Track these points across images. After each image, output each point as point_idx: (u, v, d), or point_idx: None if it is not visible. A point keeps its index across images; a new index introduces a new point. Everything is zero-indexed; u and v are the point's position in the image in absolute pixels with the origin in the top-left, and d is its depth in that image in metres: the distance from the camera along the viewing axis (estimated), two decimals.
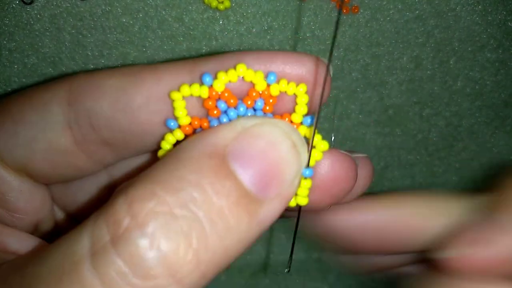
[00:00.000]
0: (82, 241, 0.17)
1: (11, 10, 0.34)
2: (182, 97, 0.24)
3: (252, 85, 0.24)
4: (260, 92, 0.24)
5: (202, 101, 0.24)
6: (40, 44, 0.35)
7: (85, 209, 0.30)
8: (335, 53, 0.37)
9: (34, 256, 0.21)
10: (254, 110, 0.24)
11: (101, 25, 0.35)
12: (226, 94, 0.23)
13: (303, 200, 0.24)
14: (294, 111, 0.24)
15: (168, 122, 0.24)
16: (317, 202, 0.25)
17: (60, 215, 0.31)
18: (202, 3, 0.35)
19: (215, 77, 0.23)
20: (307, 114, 0.24)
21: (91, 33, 0.35)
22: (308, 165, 0.23)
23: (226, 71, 0.23)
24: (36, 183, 0.27)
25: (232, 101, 0.23)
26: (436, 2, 0.36)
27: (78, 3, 0.34)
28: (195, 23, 0.35)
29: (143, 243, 0.16)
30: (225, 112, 0.24)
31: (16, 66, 0.36)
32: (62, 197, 0.29)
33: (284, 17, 0.35)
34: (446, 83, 0.39)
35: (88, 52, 0.36)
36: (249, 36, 0.36)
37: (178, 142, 0.24)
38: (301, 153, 0.21)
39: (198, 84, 0.23)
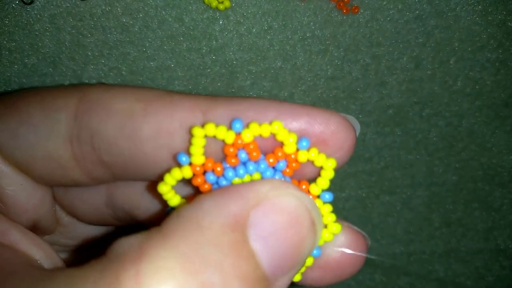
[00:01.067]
0: None
1: (11, 10, 0.34)
2: (204, 135, 0.22)
3: (281, 144, 0.22)
4: (286, 154, 0.22)
5: (223, 145, 0.22)
6: (40, 44, 0.35)
7: (85, 216, 0.30)
8: (335, 53, 0.37)
9: (50, 275, 0.20)
10: (274, 169, 0.22)
11: (101, 25, 0.35)
12: (251, 146, 0.22)
13: (297, 277, 0.23)
14: (314, 181, 0.23)
15: (179, 157, 0.22)
16: (316, 281, 0.24)
17: (62, 215, 0.31)
18: (202, 3, 0.35)
19: (247, 126, 0.22)
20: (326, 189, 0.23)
21: (91, 33, 0.35)
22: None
23: (260, 124, 0.22)
24: (37, 184, 0.27)
25: (255, 154, 0.22)
26: (436, 2, 0.36)
27: (78, 3, 0.34)
28: (195, 23, 0.35)
29: None
30: (244, 163, 0.22)
31: (16, 66, 0.36)
32: (62, 198, 0.29)
33: (284, 17, 0.35)
34: (446, 83, 0.39)
35: (88, 52, 0.36)
36: (249, 36, 0.36)
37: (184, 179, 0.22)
38: (317, 231, 0.20)
39: (226, 127, 0.22)
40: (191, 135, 0.22)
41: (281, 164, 0.22)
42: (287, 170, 0.22)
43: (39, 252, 0.24)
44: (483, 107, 0.40)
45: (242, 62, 0.37)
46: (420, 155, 0.41)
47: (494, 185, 0.42)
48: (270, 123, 0.22)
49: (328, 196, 0.23)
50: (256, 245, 0.18)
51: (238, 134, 0.22)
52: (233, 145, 0.22)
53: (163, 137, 0.23)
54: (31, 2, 0.34)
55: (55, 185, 0.28)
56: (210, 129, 0.21)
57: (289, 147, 0.22)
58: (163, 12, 0.35)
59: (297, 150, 0.22)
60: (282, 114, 0.22)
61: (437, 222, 0.43)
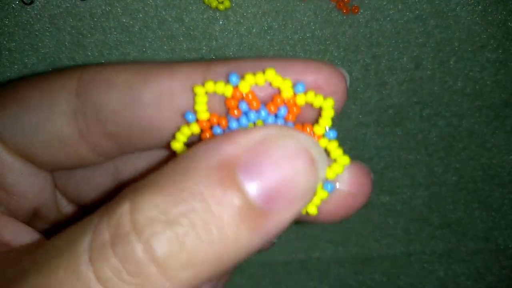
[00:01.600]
0: (83, 237, 0.18)
1: (11, 10, 0.34)
2: (205, 92, 0.23)
3: (278, 92, 0.23)
4: (285, 100, 0.23)
5: (224, 99, 0.24)
6: (40, 44, 0.35)
7: (89, 199, 0.30)
8: (335, 53, 0.37)
9: (31, 247, 0.22)
10: (276, 116, 0.23)
11: (101, 25, 0.35)
12: (250, 96, 0.23)
13: (313, 210, 0.24)
14: (316, 122, 0.24)
15: (186, 115, 0.24)
16: (328, 215, 0.24)
17: (64, 203, 0.31)
18: (202, 3, 0.35)
19: (242, 78, 0.23)
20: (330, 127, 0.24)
21: (91, 33, 0.35)
22: (327, 179, 0.23)
23: (254, 73, 0.23)
24: (38, 168, 0.27)
25: (255, 104, 0.23)
26: (436, 2, 0.36)
27: (78, 3, 0.34)
28: (195, 23, 0.35)
29: (139, 246, 0.17)
30: (246, 114, 0.23)
31: (16, 66, 0.36)
32: (65, 184, 0.29)
33: (284, 17, 0.35)
34: (446, 83, 0.39)
35: (88, 52, 0.36)
36: (249, 36, 0.36)
37: (193, 137, 0.24)
38: (319, 169, 0.20)
39: (223, 82, 0.23)
40: (194, 95, 0.23)
41: (282, 111, 0.23)
42: (290, 117, 0.23)
43: (9, 232, 0.25)
44: (483, 107, 0.40)
45: None
46: (420, 155, 0.41)
47: (494, 185, 0.42)
48: (264, 72, 0.23)
49: (332, 134, 0.24)
50: (243, 176, 0.18)
51: (236, 86, 0.23)
52: (233, 97, 0.23)
53: (165, 100, 0.24)
54: (31, 2, 0.34)
55: (59, 169, 0.28)
56: (210, 86, 0.23)
57: (286, 92, 0.23)
58: (163, 12, 0.35)
59: (295, 95, 0.23)
60: (276, 66, 0.23)
61: (437, 222, 0.43)
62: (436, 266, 0.44)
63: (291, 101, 0.23)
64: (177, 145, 0.24)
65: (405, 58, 0.37)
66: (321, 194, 0.24)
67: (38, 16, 0.35)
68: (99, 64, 0.26)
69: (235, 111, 0.23)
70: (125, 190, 0.19)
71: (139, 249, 0.17)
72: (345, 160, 0.24)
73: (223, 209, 0.18)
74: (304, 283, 0.43)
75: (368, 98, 0.38)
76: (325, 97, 0.23)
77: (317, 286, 0.43)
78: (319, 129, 0.24)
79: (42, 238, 0.25)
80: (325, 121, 0.23)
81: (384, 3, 0.36)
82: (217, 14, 0.35)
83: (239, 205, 0.18)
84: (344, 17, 0.36)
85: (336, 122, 0.40)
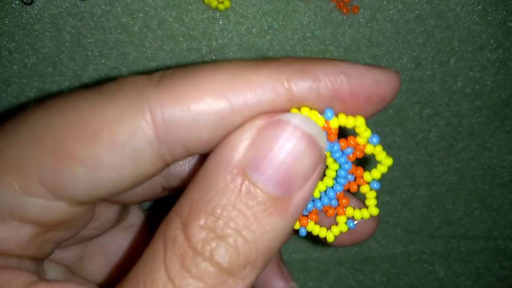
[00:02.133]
0: (158, 273, 0.21)
1: (11, 10, 0.34)
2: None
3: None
4: (356, 143, 0.25)
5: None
6: (40, 44, 0.35)
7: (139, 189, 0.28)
8: (335, 53, 0.37)
9: None
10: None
11: (101, 25, 0.35)
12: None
13: (331, 238, 0.27)
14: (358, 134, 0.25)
15: None
16: (339, 241, 0.27)
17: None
18: (202, 3, 0.35)
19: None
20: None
21: (91, 33, 0.35)
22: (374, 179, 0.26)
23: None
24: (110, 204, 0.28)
25: (332, 136, 0.24)
26: (436, 2, 0.36)
27: (78, 3, 0.34)
28: (195, 23, 0.35)
29: (206, 264, 0.20)
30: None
31: (16, 66, 0.36)
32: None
33: (284, 17, 0.35)
34: (446, 83, 0.39)
35: (88, 52, 0.36)
36: (249, 36, 0.36)
37: None
38: (319, 140, 0.21)
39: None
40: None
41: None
42: (331, 136, 0.24)
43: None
44: (483, 107, 0.40)
45: None
46: (420, 155, 0.41)
47: (494, 185, 0.42)
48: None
49: (375, 140, 0.25)
50: (255, 176, 0.20)
51: (327, 121, 0.24)
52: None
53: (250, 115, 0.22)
54: (31, 2, 0.34)
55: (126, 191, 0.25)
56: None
57: (362, 139, 0.25)
58: (163, 12, 0.35)
59: (326, 121, 0.24)
60: (338, 71, 0.23)
61: (437, 222, 0.43)
62: (436, 266, 0.43)
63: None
64: None
65: (405, 58, 0.37)
66: (342, 227, 0.27)
67: (38, 16, 0.35)
68: (162, 83, 0.22)
69: None
70: (169, 218, 0.21)
71: (208, 266, 0.20)
72: (389, 161, 0.26)
73: (252, 209, 0.20)
74: (304, 283, 0.43)
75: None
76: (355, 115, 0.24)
77: (317, 286, 0.43)
78: (361, 139, 0.25)
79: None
80: (364, 133, 0.25)
81: (384, 3, 0.36)
82: (217, 14, 0.35)
83: (263, 201, 0.20)
84: (344, 17, 0.36)
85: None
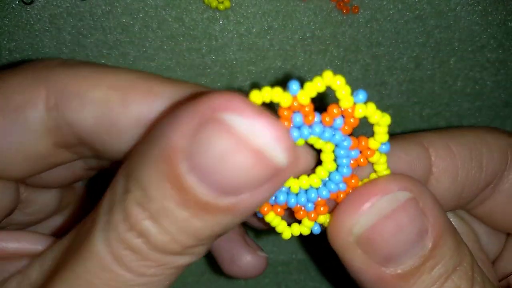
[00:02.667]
0: (95, 236, 0.20)
1: (11, 10, 0.34)
2: (262, 101, 0.20)
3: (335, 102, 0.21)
4: (342, 109, 0.21)
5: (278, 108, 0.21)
6: (40, 44, 0.35)
7: (58, 173, 0.29)
8: (335, 53, 0.37)
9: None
10: (333, 129, 0.21)
11: (101, 25, 0.35)
12: (307, 109, 0.20)
13: (387, 173, 0.23)
14: (371, 135, 0.22)
15: None
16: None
17: (21, 191, 0.29)
18: (202, 3, 0.35)
19: (302, 87, 0.20)
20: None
21: (91, 33, 0.35)
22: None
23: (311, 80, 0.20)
24: (6, 182, 0.26)
25: (310, 118, 0.20)
26: (436, 2, 0.36)
27: (78, 3, 0.34)
28: (195, 23, 0.35)
29: (138, 241, 0.19)
30: (299, 127, 0.21)
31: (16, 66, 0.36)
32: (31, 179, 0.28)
33: (284, 17, 0.35)
34: (446, 83, 0.39)
35: (88, 52, 0.36)
36: (249, 36, 0.36)
37: None
38: (271, 153, 0.17)
39: (281, 89, 0.20)
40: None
41: (338, 122, 0.21)
42: (346, 128, 0.21)
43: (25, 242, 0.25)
44: (483, 107, 0.40)
45: (242, 62, 0.37)
46: None
47: None
48: (321, 74, 0.20)
49: (385, 148, 0.22)
50: (188, 170, 0.17)
51: (294, 96, 0.20)
52: (289, 108, 0.20)
53: (144, 125, 0.22)
54: (31, 2, 0.34)
55: (30, 176, 0.26)
56: (267, 93, 0.20)
57: (345, 101, 0.21)
58: (163, 12, 0.35)
59: (354, 104, 0.21)
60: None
61: None
62: None
63: (349, 110, 0.21)
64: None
65: (405, 58, 0.37)
66: (304, 230, 0.23)
67: (38, 16, 0.35)
68: (65, 64, 0.24)
69: (285, 123, 0.20)
70: (115, 179, 0.20)
71: (140, 243, 0.19)
72: (387, 173, 0.23)
73: (187, 207, 0.18)
74: (304, 283, 0.43)
75: (368, 98, 0.38)
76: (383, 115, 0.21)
77: (317, 286, 0.43)
78: (374, 143, 0.22)
79: (53, 240, 0.25)
80: (382, 137, 0.22)
81: (384, 3, 0.36)
82: (217, 14, 0.35)
83: (198, 202, 0.18)
84: (344, 17, 0.36)
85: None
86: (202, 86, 0.23)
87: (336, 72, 0.38)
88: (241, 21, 0.35)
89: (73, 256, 0.20)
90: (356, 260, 0.23)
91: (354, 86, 0.40)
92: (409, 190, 0.22)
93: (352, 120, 0.21)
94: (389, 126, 0.42)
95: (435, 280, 0.22)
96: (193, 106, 0.18)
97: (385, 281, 0.23)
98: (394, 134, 0.40)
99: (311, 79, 0.37)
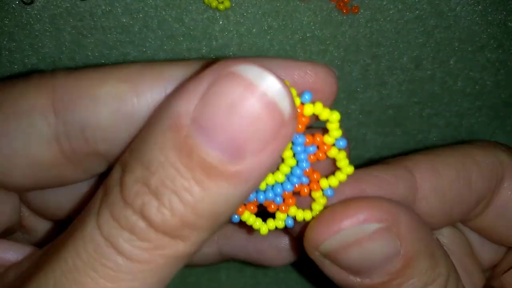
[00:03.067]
0: (90, 217, 0.19)
1: (11, 10, 0.34)
2: None
3: None
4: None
5: None
6: (40, 44, 0.35)
7: (56, 214, 0.28)
8: (335, 53, 0.37)
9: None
10: None
11: (101, 25, 0.35)
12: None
13: (349, 169, 0.25)
14: (326, 132, 0.24)
15: None
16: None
17: (25, 215, 0.29)
18: (202, 3, 0.35)
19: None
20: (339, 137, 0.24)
21: (91, 33, 0.35)
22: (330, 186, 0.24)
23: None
24: (8, 192, 0.25)
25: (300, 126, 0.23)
26: (436, 2, 0.36)
27: (78, 3, 0.34)
28: (195, 23, 0.35)
29: (135, 218, 0.18)
30: None
31: (16, 66, 0.36)
32: (35, 199, 0.28)
33: (284, 17, 0.35)
34: (446, 83, 0.39)
35: (88, 52, 0.36)
36: (249, 36, 0.36)
37: None
38: (279, 103, 0.18)
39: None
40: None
41: None
42: (299, 127, 0.23)
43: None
44: (483, 107, 0.40)
45: None
46: None
47: None
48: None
49: (342, 143, 0.24)
50: (200, 138, 0.18)
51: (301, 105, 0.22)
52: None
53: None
54: (31, 2, 0.34)
55: (36, 189, 0.26)
56: None
57: (331, 138, 0.23)
58: (163, 12, 0.35)
59: (302, 104, 0.22)
60: (273, 68, 0.22)
61: None
62: None
63: (298, 110, 0.22)
64: None
65: (405, 58, 0.37)
66: (279, 223, 0.25)
67: (38, 16, 0.35)
68: (70, 71, 0.24)
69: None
70: (114, 167, 0.20)
71: (138, 220, 0.18)
72: (350, 170, 0.24)
73: (193, 171, 0.18)
74: (304, 283, 0.43)
75: (368, 98, 0.38)
76: (325, 105, 0.23)
77: (317, 286, 0.43)
78: (329, 139, 0.24)
79: (35, 249, 0.24)
80: (335, 133, 0.23)
81: (384, 3, 0.36)
82: (217, 14, 0.35)
83: (206, 164, 0.18)
84: (344, 17, 0.36)
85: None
86: (209, 59, 0.23)
87: (336, 72, 0.38)
88: (241, 21, 0.35)
89: (64, 244, 0.19)
90: (326, 268, 0.25)
91: (354, 86, 0.40)
92: (380, 220, 0.23)
93: (303, 119, 0.23)
94: (390, 126, 0.42)
95: None
96: (200, 74, 0.18)
97: (354, 287, 0.24)
98: (393, 134, 0.40)
99: None
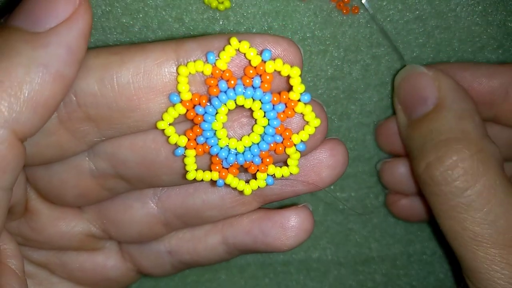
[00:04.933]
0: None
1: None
2: (188, 73, 0.25)
3: (249, 64, 0.26)
4: (257, 69, 0.25)
5: (204, 79, 0.26)
6: None
7: (61, 194, 0.30)
8: (335, 53, 0.37)
9: None
10: (254, 88, 0.26)
11: (101, 25, 0.35)
12: (227, 74, 0.25)
13: (295, 170, 0.28)
14: (291, 89, 0.26)
15: (171, 97, 0.26)
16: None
17: (31, 197, 0.31)
18: (202, 3, 0.35)
19: (218, 57, 0.25)
20: (304, 92, 0.26)
21: (91, 33, 0.35)
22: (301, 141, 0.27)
23: (223, 49, 0.25)
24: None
25: (232, 82, 0.25)
26: (436, 2, 0.36)
27: None
28: (195, 23, 0.35)
29: None
30: (225, 92, 0.26)
31: None
32: (41, 177, 0.30)
33: (284, 17, 0.35)
34: None
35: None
36: None
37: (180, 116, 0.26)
38: None
39: (202, 61, 0.25)
40: (176, 75, 0.26)
41: (257, 81, 0.26)
42: (265, 86, 0.26)
43: None
44: None
45: None
46: None
47: None
48: (229, 42, 0.25)
49: (307, 97, 0.26)
50: (19, 22, 0.24)
51: (214, 65, 0.25)
52: (213, 76, 0.26)
53: (141, 78, 0.25)
54: None
55: (37, 162, 0.28)
56: (192, 66, 0.25)
57: (254, 60, 0.25)
58: (163, 12, 0.35)
59: (263, 62, 0.25)
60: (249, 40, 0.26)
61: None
62: (436, 267, 0.43)
63: (261, 68, 0.25)
64: (162, 124, 0.26)
65: (405, 58, 0.37)
66: (261, 183, 0.27)
67: None
68: None
69: (214, 89, 0.26)
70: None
71: None
72: (316, 122, 0.27)
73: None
74: (304, 283, 0.43)
75: (368, 98, 0.38)
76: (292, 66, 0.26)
77: (317, 286, 0.43)
78: (294, 94, 0.26)
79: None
80: (297, 87, 0.26)
81: (384, 3, 0.36)
82: (217, 14, 0.35)
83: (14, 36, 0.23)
84: (344, 17, 0.36)
85: (336, 122, 0.40)
86: (185, 40, 0.26)
87: (336, 72, 0.38)
88: (241, 21, 0.35)
89: None
90: (396, 109, 0.36)
91: (354, 86, 0.40)
92: (429, 70, 0.33)
93: (267, 77, 0.26)
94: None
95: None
96: None
97: (408, 125, 0.34)
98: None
99: (311, 79, 0.38)
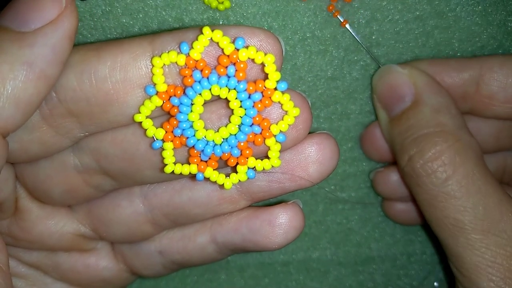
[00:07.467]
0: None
1: None
2: (162, 64, 0.25)
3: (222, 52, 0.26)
4: (230, 58, 0.25)
5: (179, 70, 0.26)
6: None
7: (48, 190, 0.31)
8: (335, 53, 0.37)
9: None
10: (228, 77, 0.26)
11: (101, 25, 0.35)
12: (201, 64, 0.25)
13: (276, 162, 0.27)
14: (267, 78, 0.26)
15: (147, 89, 0.26)
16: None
17: (21, 195, 0.31)
18: (202, 3, 0.35)
19: (192, 47, 0.25)
20: (280, 80, 0.26)
21: (91, 33, 0.35)
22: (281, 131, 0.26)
23: (196, 37, 0.25)
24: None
25: (206, 71, 0.25)
26: (436, 2, 0.36)
27: (78, 3, 0.34)
28: (195, 24, 0.35)
29: None
30: (199, 81, 0.26)
31: None
32: (28, 175, 0.30)
33: (284, 17, 0.35)
34: None
35: None
36: None
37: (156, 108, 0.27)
38: None
39: (176, 52, 0.25)
40: (151, 67, 0.26)
41: (231, 70, 0.25)
42: (240, 74, 0.25)
43: None
44: None
45: None
46: None
47: None
48: (201, 31, 0.25)
49: (283, 86, 0.26)
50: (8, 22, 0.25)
51: (187, 55, 0.25)
52: (186, 66, 0.25)
53: (118, 72, 0.26)
54: None
55: (23, 159, 0.28)
56: (166, 57, 0.25)
57: (227, 48, 0.25)
58: (163, 13, 0.35)
59: (237, 50, 0.25)
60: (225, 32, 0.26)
61: None
62: (436, 267, 0.43)
63: (234, 56, 0.25)
64: (140, 117, 0.26)
65: (405, 58, 0.37)
66: (242, 176, 0.27)
67: None
68: None
69: (189, 80, 0.25)
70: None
71: None
72: (296, 111, 0.26)
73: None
74: (304, 283, 0.43)
75: (368, 98, 0.38)
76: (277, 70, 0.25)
77: (317, 286, 0.43)
78: (269, 83, 0.26)
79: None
80: (273, 74, 0.25)
81: (384, 3, 0.36)
82: (217, 14, 0.35)
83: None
84: (344, 18, 0.36)
85: (336, 122, 0.40)
86: (160, 34, 0.27)
87: (336, 72, 0.38)
88: (241, 21, 0.35)
89: None
90: (376, 109, 0.37)
91: (354, 86, 0.40)
92: (404, 68, 0.35)
93: (241, 66, 0.25)
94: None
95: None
96: None
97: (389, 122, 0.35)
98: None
99: (311, 79, 0.38)
